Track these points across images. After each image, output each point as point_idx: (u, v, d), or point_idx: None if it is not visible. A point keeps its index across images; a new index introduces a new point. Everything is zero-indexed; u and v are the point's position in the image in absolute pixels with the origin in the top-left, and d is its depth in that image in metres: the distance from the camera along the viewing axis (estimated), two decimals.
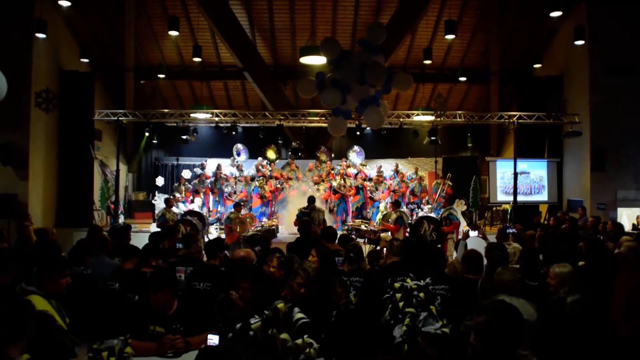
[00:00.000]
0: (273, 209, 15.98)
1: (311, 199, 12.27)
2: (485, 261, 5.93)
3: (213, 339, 3.60)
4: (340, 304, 4.43)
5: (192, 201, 15.90)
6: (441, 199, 15.82)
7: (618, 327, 4.67)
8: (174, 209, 14.06)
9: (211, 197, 16.63)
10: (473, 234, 9.15)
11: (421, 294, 4.19)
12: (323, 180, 16.56)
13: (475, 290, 5.10)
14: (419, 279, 4.61)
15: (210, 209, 16.38)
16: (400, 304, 4.13)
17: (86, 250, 5.76)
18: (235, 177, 16.68)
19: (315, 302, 4.01)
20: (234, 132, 16.49)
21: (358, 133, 16.45)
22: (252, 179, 16.53)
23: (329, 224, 13.65)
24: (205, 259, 6.42)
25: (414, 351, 3.49)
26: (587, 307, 4.48)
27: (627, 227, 13.63)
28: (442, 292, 4.94)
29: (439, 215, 13.06)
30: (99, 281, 5.39)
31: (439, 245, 11.58)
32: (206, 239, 11.70)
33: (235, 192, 16.05)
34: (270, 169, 17.18)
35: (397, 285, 4.30)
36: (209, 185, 16.47)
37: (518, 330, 2.60)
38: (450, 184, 16.35)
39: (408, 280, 4.37)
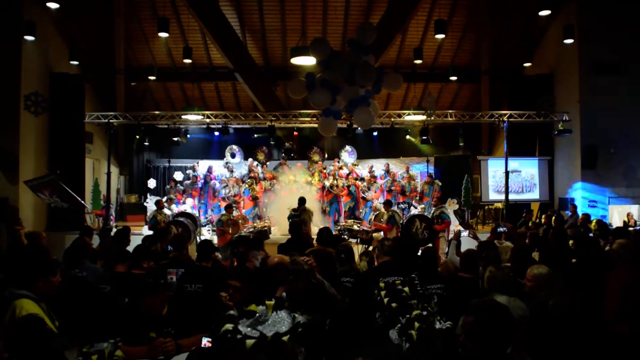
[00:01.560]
0: (264, 209, 15.94)
1: (301, 200, 12.27)
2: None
3: (206, 342, 3.59)
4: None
5: (184, 202, 15.87)
6: (427, 199, 15.91)
7: (613, 324, 4.68)
8: (166, 210, 14.01)
9: (200, 198, 16.60)
10: (464, 233, 9.17)
11: (406, 288, 4.19)
12: (311, 183, 16.54)
13: (470, 289, 5.12)
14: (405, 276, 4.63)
15: (199, 210, 16.35)
16: (386, 299, 4.12)
17: (81, 252, 5.73)
18: (227, 179, 16.64)
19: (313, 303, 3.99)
20: (225, 134, 16.50)
21: (349, 135, 16.46)
22: (243, 180, 16.51)
23: (321, 224, 13.69)
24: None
25: (415, 350, 3.49)
26: (570, 309, 4.47)
27: (618, 224, 13.72)
28: (438, 291, 4.95)
29: (431, 214, 13.11)
30: (91, 284, 5.37)
31: (430, 244, 11.63)
32: (198, 241, 11.69)
33: (233, 195, 16.00)
34: (261, 170, 17.16)
35: (382, 284, 4.29)
36: (200, 187, 16.45)
37: (508, 330, 2.60)
38: (440, 184, 16.43)
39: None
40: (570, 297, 4.61)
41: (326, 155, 19.01)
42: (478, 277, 5.53)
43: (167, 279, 5.11)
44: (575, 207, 13.71)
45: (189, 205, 15.71)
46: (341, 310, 4.39)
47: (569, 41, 14.43)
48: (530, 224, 12.95)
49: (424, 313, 3.53)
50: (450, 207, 14.89)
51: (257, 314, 3.12)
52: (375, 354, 2.54)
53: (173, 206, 15.18)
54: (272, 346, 2.77)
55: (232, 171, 17.25)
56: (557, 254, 5.95)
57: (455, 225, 14.62)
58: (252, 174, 16.65)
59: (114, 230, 13.95)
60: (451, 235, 9.59)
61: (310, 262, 4.30)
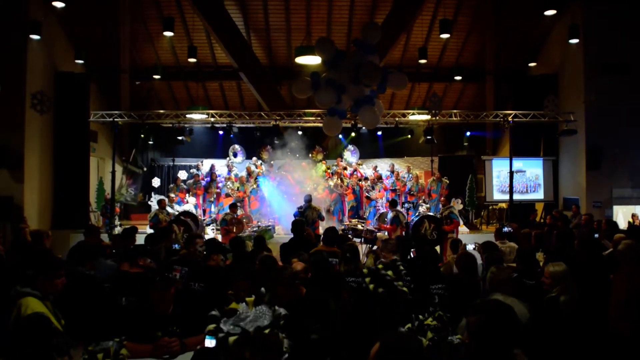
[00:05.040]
0: (269, 208, 15.96)
1: (307, 198, 12.28)
2: (479, 261, 5.98)
3: (210, 342, 3.58)
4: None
5: (187, 202, 15.88)
6: (435, 196, 15.89)
7: (617, 323, 4.68)
8: (169, 209, 14.02)
9: (206, 197, 16.63)
10: (470, 246, 9.13)
11: (389, 272, 4.19)
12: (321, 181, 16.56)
13: (470, 289, 5.12)
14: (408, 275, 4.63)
15: (205, 209, 16.38)
16: (371, 286, 4.12)
17: (87, 251, 5.72)
18: (229, 177, 16.67)
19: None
20: (230, 134, 16.52)
21: (353, 134, 16.46)
22: (248, 179, 16.53)
23: (325, 223, 13.69)
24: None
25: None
26: (580, 306, 4.48)
27: (623, 225, 13.66)
28: (439, 291, 4.95)
29: (439, 214, 13.09)
30: (99, 282, 5.37)
31: (439, 246, 11.64)
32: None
33: (238, 189, 16.01)
34: (266, 169, 17.17)
35: (365, 270, 4.28)
36: (204, 186, 16.45)
37: (512, 330, 2.59)
38: (447, 182, 16.42)
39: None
40: (580, 295, 4.62)
41: (327, 153, 18.99)
42: (478, 278, 5.54)
43: (172, 275, 5.10)
44: (577, 207, 13.66)
45: (192, 204, 15.72)
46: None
47: (574, 41, 14.39)
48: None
49: (439, 324, 3.52)
50: (455, 207, 14.87)
51: (239, 312, 3.14)
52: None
53: (176, 205, 15.19)
54: (256, 341, 2.78)
55: (231, 170, 17.26)
56: (561, 254, 5.95)
57: (460, 225, 14.61)
58: (251, 177, 16.64)
59: (117, 228, 14.05)
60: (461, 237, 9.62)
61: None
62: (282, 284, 4.15)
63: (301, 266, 4.79)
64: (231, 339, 2.81)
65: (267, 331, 2.80)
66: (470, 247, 9.04)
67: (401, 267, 4.31)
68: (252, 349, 2.75)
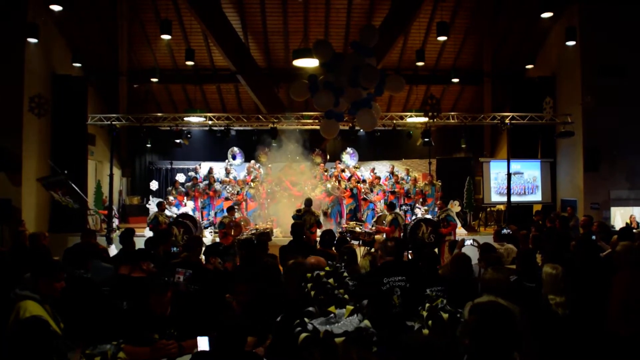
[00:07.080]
0: (266, 211, 15.94)
1: (307, 202, 12.26)
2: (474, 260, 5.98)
3: (202, 342, 3.59)
4: None
5: (186, 205, 15.86)
6: (431, 200, 15.89)
7: (616, 326, 4.67)
8: (167, 212, 14.01)
9: (202, 200, 16.61)
10: (467, 242, 9.12)
11: (330, 280, 4.18)
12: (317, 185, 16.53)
13: (467, 290, 5.11)
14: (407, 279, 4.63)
15: (203, 212, 16.35)
16: (312, 292, 4.12)
17: (85, 253, 5.71)
18: (229, 179, 16.66)
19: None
20: (227, 136, 16.49)
21: (352, 137, 16.47)
22: (245, 182, 16.49)
23: (323, 226, 13.66)
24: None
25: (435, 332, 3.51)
26: (573, 309, 4.48)
27: (621, 227, 13.67)
28: (438, 293, 4.95)
29: (436, 217, 13.10)
30: (94, 285, 5.37)
31: (437, 248, 11.65)
32: None
33: (238, 193, 15.98)
34: (264, 172, 17.15)
35: (309, 275, 4.28)
36: (201, 189, 16.43)
37: (510, 331, 2.59)
38: (439, 183, 16.44)
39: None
40: (575, 297, 4.62)
41: (328, 157, 19.00)
42: (475, 279, 5.54)
43: (175, 278, 5.11)
44: (572, 209, 13.66)
45: (189, 207, 15.69)
46: None
47: (571, 43, 14.43)
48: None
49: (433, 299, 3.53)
50: (452, 209, 14.87)
51: (332, 315, 3.13)
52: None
53: (174, 208, 15.18)
54: (324, 344, 2.76)
55: (229, 173, 17.23)
56: (558, 256, 5.95)
57: (458, 227, 14.60)
58: (249, 176, 16.61)
59: (117, 232, 14.03)
60: (459, 238, 9.61)
61: None
62: (293, 285, 4.14)
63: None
64: (302, 335, 2.80)
65: (338, 340, 2.78)
66: (468, 242, 9.05)
67: (345, 274, 4.30)
68: (322, 351, 2.73)
